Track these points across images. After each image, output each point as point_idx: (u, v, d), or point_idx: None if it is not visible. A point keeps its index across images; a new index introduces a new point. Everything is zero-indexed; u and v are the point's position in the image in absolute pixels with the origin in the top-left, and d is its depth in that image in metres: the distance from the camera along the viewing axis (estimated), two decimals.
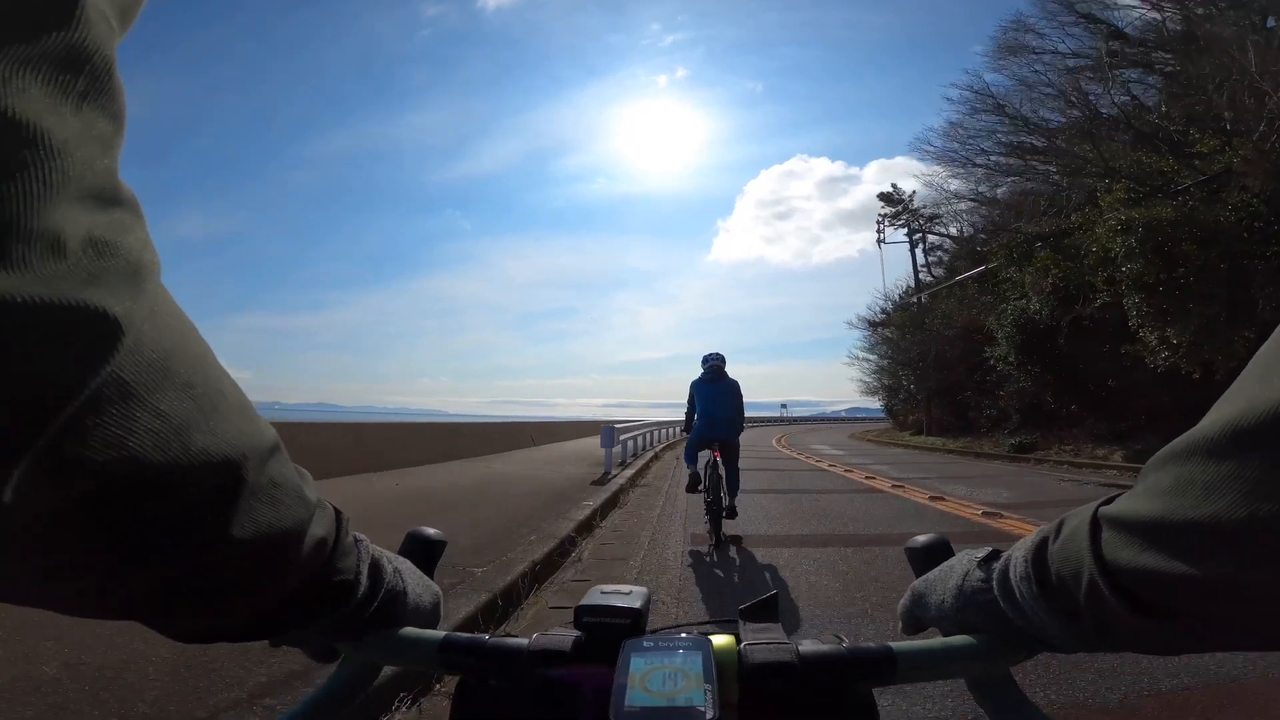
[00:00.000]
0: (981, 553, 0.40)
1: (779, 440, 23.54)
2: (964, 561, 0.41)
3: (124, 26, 0.20)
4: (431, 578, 0.46)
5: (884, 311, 30.76)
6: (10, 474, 0.17)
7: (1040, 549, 0.33)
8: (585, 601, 0.41)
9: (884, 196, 31.12)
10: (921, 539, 0.47)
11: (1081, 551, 0.30)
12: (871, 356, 30.54)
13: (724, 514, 4.64)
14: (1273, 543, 0.22)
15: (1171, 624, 0.27)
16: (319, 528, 0.31)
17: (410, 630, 0.41)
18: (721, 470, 4.75)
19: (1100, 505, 0.30)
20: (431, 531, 0.47)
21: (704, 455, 4.90)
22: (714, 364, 5.14)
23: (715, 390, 5.07)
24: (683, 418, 5.34)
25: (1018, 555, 0.35)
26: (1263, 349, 0.24)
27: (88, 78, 0.18)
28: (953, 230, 28.33)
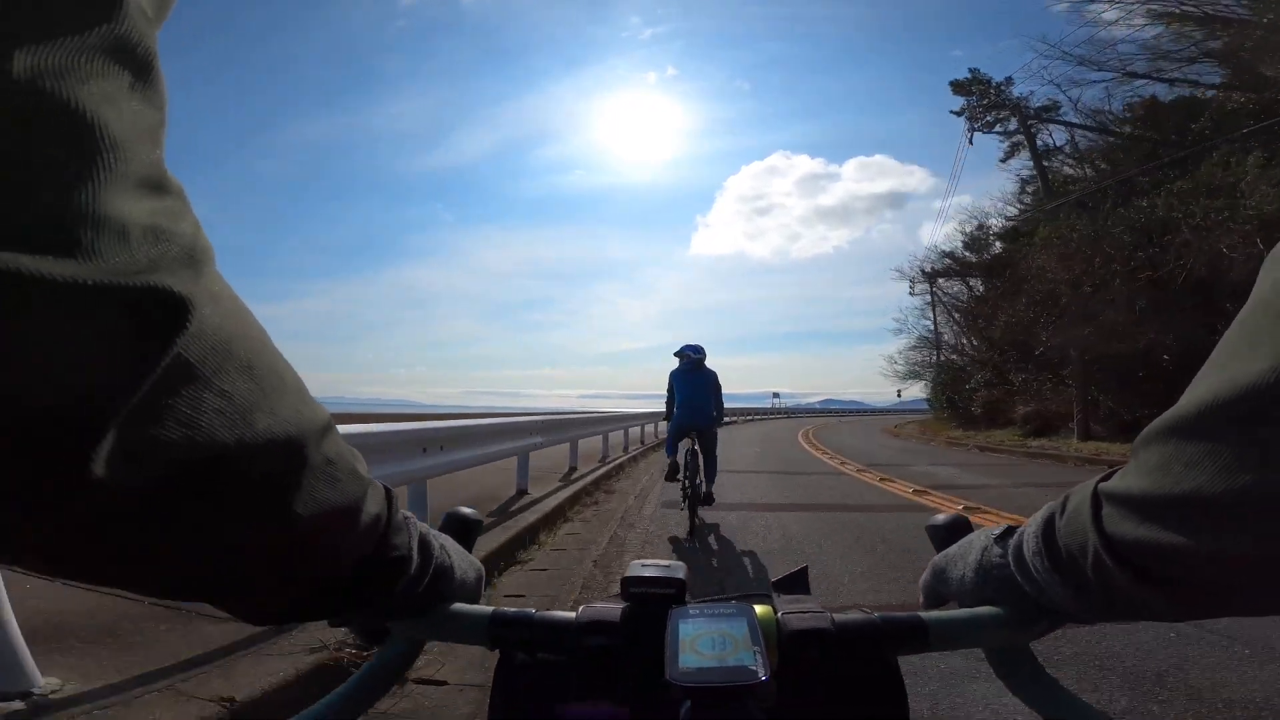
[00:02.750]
0: (997, 530, 0.41)
1: (812, 443, 18.68)
2: (982, 538, 0.42)
3: (160, 18, 0.20)
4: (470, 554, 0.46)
5: (948, 257, 23.40)
6: (91, 455, 0.18)
7: (1049, 524, 0.35)
8: (630, 573, 0.42)
9: (961, 85, 21.67)
10: (941, 517, 0.49)
11: (1085, 526, 0.31)
12: (911, 333, 24.13)
13: (701, 501, 4.89)
14: (1251, 514, 0.23)
15: (1173, 593, 0.29)
16: (373, 505, 0.31)
17: (460, 606, 0.42)
18: (700, 459, 5.01)
19: (1100, 481, 0.32)
20: (468, 511, 0.49)
21: (684, 445, 5.14)
22: (693, 355, 5.30)
23: (694, 380, 5.29)
24: (663, 408, 5.63)
25: (1030, 531, 0.37)
26: (1235, 325, 0.25)
27: (134, 69, 0.19)
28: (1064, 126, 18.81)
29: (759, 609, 0.39)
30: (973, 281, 23.20)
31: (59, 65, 0.16)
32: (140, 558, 0.22)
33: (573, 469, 7.76)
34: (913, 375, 32.20)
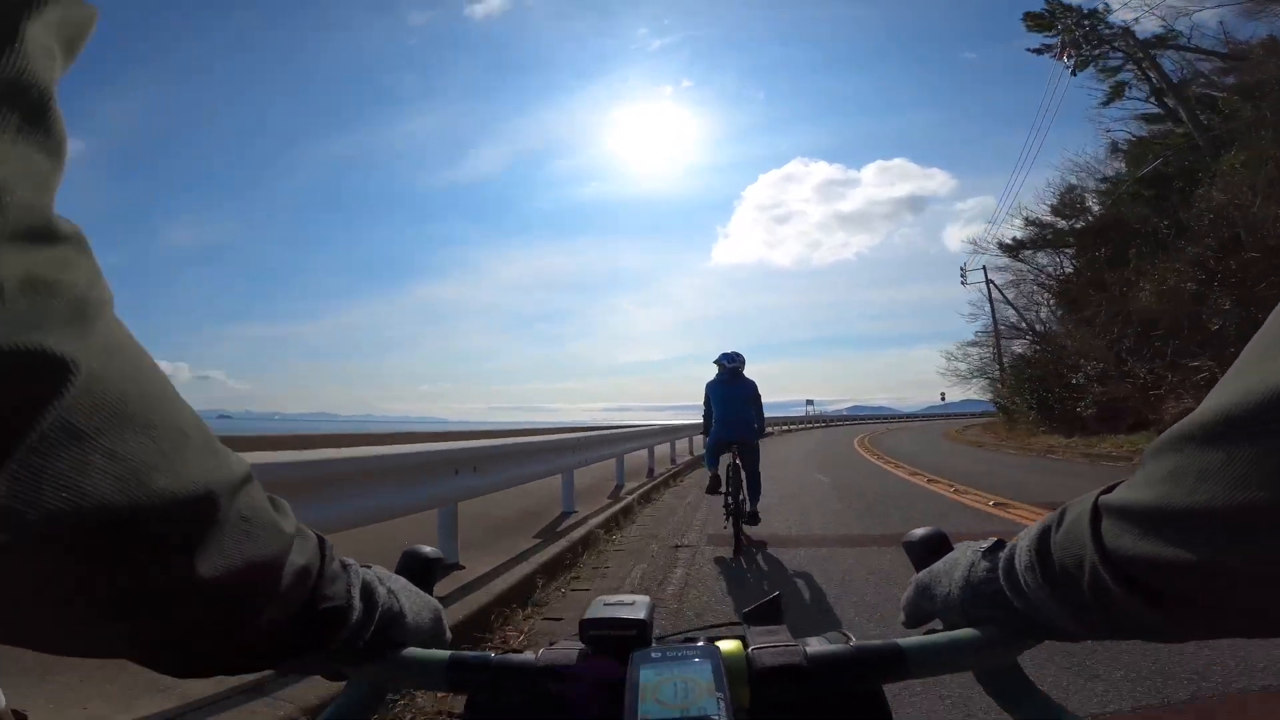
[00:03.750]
0: (985, 544, 0.40)
1: (886, 459, 14.60)
2: (968, 553, 0.41)
3: (69, 57, 0.20)
4: (430, 594, 0.46)
5: (1034, 224, 18.63)
6: None
7: (1043, 538, 0.34)
8: (589, 614, 0.40)
9: (1040, 19, 17.77)
10: (919, 532, 0.47)
11: (1083, 539, 0.30)
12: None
13: (745, 519, 4.70)
14: (1262, 529, 0.23)
15: (1175, 610, 0.28)
16: (300, 556, 0.30)
17: (415, 650, 0.40)
18: (742, 473, 4.82)
19: (1101, 494, 0.31)
20: (428, 549, 0.47)
21: (725, 458, 4.95)
22: (731, 365, 5.05)
23: (731, 392, 5.02)
24: (700, 420, 5.37)
25: (1022, 545, 0.36)
26: (1258, 334, 0.24)
27: (24, 111, 0.18)
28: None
29: (726, 646, 0.38)
30: (1058, 255, 18.93)
31: None
32: (40, 618, 0.22)
33: (619, 486, 7.62)
34: (978, 374, 28.04)
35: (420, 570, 0.46)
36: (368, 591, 0.36)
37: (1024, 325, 22.37)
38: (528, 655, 0.40)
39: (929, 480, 8.61)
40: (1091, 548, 0.30)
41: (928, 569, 0.45)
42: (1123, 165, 17.66)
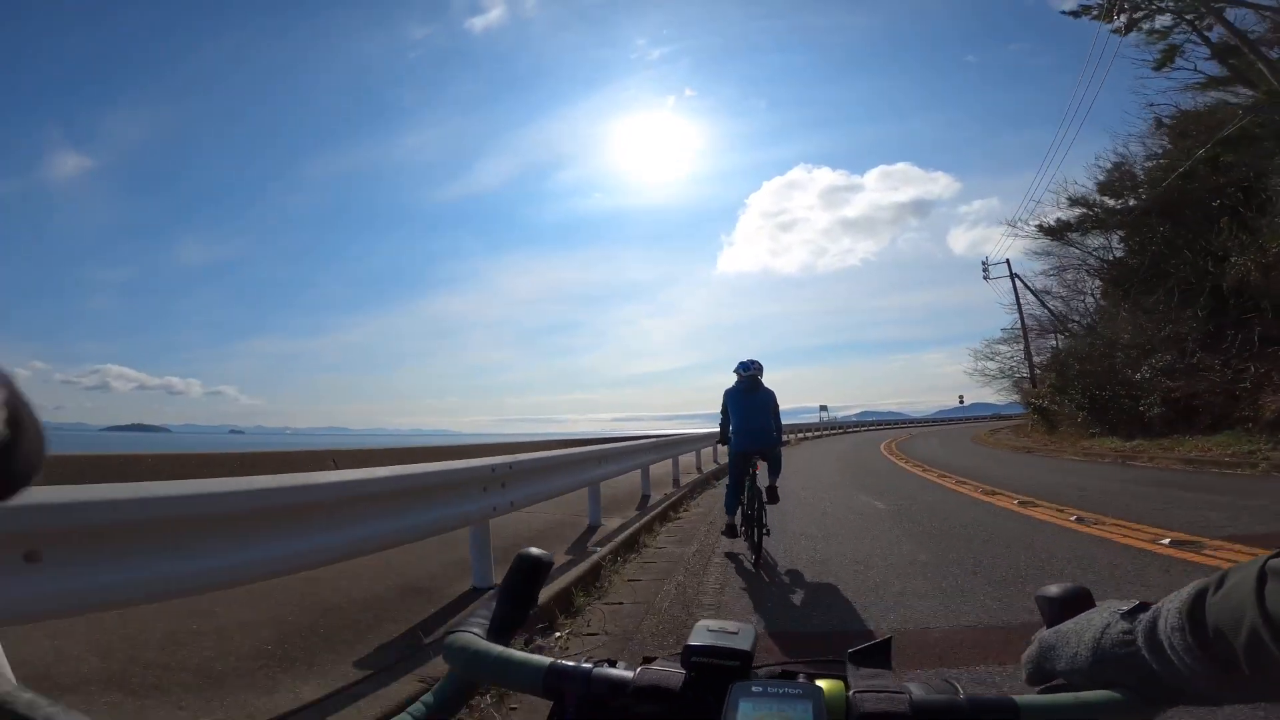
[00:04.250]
0: (1127, 605, 0.39)
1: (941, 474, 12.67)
2: (1105, 614, 0.40)
3: None
4: (535, 598, 0.47)
5: (1079, 204, 16.32)
6: None
7: (1198, 599, 0.34)
8: (694, 641, 0.40)
9: None
10: (1056, 588, 0.45)
11: (1245, 603, 0.31)
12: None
13: (768, 500, 4.75)
14: None
15: None
16: None
17: (517, 653, 0.42)
18: (761, 483, 4.78)
19: (1270, 558, 0.31)
20: (538, 552, 0.48)
21: (741, 509, 4.80)
22: (749, 374, 4.98)
23: (751, 402, 4.94)
24: (716, 429, 5.37)
25: (1170, 606, 0.35)
26: None
27: None
28: None
29: (827, 685, 0.37)
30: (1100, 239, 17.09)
31: None
32: None
33: (646, 497, 7.45)
34: (1007, 374, 26.26)
35: (530, 572, 0.47)
36: None
37: (1066, 317, 20.54)
38: (625, 672, 0.40)
39: (1020, 503, 6.81)
40: (1254, 609, 0.30)
41: (1055, 628, 0.42)
42: (1166, 142, 16.00)
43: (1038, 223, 17.75)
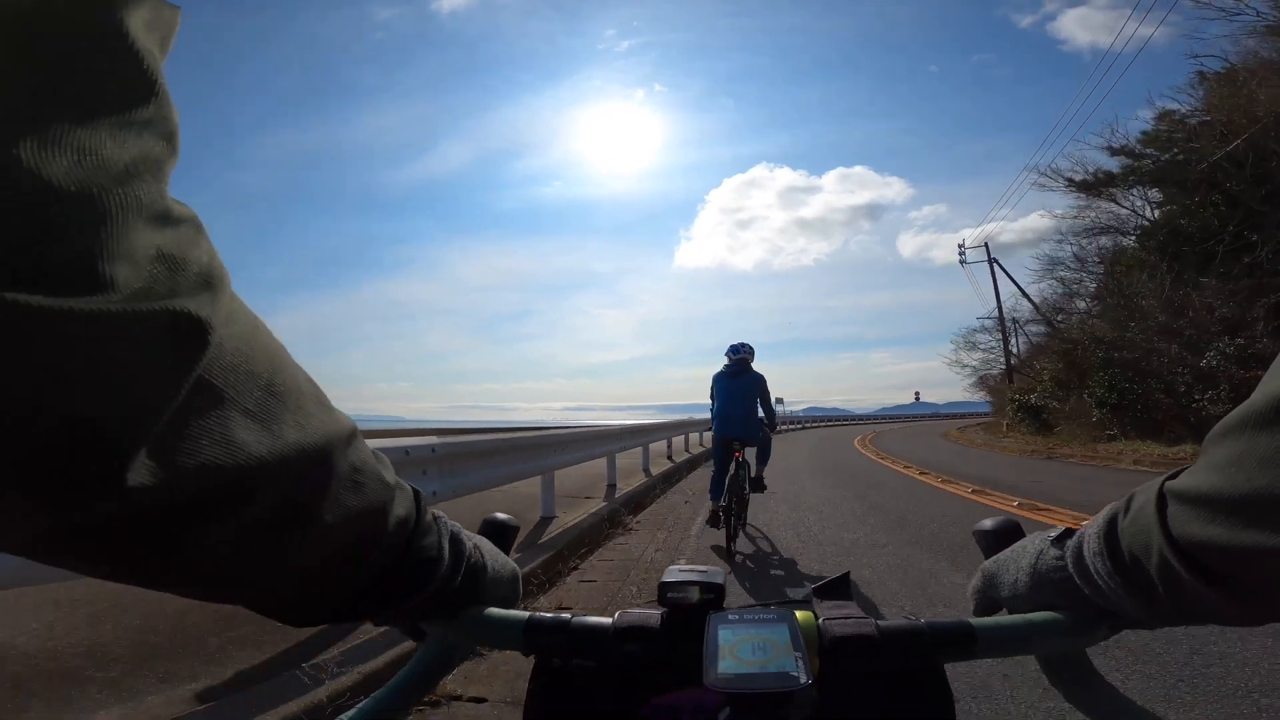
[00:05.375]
0: (1054, 532, 0.40)
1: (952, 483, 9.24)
2: (1036, 541, 0.41)
3: (161, 55, 0.21)
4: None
5: (1122, 152, 13.73)
6: (126, 466, 0.19)
7: (1111, 525, 0.34)
8: (667, 579, 0.41)
9: None
10: (989, 521, 0.47)
11: (1150, 526, 0.31)
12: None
13: (752, 489, 4.82)
14: None
15: (1244, 594, 0.28)
16: (400, 508, 0.32)
17: (495, 611, 0.42)
18: (745, 473, 4.68)
19: (1166, 480, 0.31)
20: (504, 516, 0.49)
21: (724, 493, 4.60)
22: (737, 357, 4.91)
23: (734, 385, 4.87)
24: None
25: (1090, 532, 0.36)
26: None
27: (140, 102, 0.19)
28: None
29: (800, 615, 0.38)
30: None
31: (78, 128, 0.17)
32: (174, 563, 0.24)
33: (612, 486, 7.22)
34: (989, 366, 23.95)
35: (498, 534, 0.47)
36: (455, 543, 0.38)
37: (1058, 306, 17.98)
38: (605, 619, 0.40)
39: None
40: (1159, 533, 0.30)
41: (995, 557, 0.44)
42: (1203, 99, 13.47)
43: (1067, 177, 14.90)
